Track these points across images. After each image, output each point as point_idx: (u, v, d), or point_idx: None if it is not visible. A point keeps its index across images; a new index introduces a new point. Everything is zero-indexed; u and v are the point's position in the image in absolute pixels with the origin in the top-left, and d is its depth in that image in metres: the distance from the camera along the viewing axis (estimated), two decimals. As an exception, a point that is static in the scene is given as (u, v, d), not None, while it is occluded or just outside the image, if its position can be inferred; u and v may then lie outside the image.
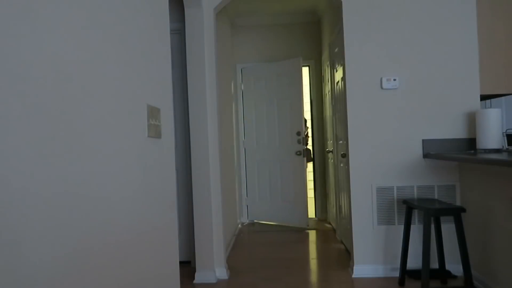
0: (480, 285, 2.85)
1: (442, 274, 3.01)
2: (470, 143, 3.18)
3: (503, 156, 2.27)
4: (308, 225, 5.03)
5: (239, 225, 5.43)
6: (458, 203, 3.19)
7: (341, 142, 4.13)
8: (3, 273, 0.74)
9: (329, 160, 5.22)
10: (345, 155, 3.66)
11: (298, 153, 5.10)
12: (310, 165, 5.85)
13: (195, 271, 3.37)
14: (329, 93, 4.89)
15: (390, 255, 3.26)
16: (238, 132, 5.65)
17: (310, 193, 6.13)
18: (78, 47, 1.04)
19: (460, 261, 2.71)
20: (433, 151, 3.19)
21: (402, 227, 3.20)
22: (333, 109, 4.63)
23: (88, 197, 1.07)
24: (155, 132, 1.64)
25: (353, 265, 3.30)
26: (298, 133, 5.10)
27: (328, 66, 4.84)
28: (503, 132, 3.02)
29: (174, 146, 1.97)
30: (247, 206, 5.71)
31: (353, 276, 3.26)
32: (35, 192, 0.84)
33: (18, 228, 0.78)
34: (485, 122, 2.91)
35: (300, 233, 4.90)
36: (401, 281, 3.02)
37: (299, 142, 5.09)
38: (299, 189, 5.10)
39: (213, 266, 3.32)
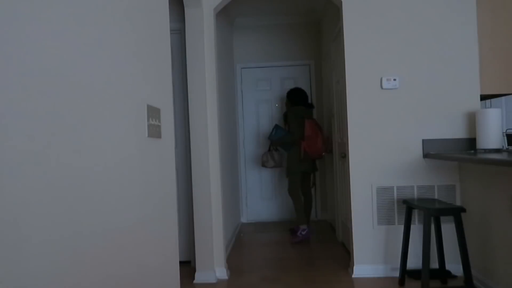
0: (480, 285, 2.85)
1: (442, 274, 3.01)
2: (470, 143, 3.18)
3: (503, 156, 2.27)
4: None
5: (239, 225, 5.42)
6: (458, 203, 3.19)
7: (341, 142, 4.13)
8: (5, 270, 0.74)
9: (329, 160, 5.21)
10: (345, 155, 3.66)
11: None
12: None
13: (195, 271, 3.37)
14: (329, 93, 4.89)
15: (390, 255, 3.26)
16: (238, 132, 5.64)
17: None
18: (77, 47, 1.04)
19: (460, 261, 2.71)
20: (433, 151, 3.19)
21: (402, 227, 3.19)
22: (333, 109, 4.63)
23: (88, 197, 1.07)
24: (155, 132, 1.64)
25: (353, 265, 3.29)
26: None
27: (328, 66, 4.84)
28: (503, 132, 3.02)
29: (174, 146, 1.97)
30: (247, 206, 5.71)
31: (353, 276, 3.26)
32: (35, 191, 0.84)
33: (19, 227, 0.78)
34: (485, 122, 2.91)
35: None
36: (401, 281, 3.02)
37: None
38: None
39: (213, 266, 3.32)
